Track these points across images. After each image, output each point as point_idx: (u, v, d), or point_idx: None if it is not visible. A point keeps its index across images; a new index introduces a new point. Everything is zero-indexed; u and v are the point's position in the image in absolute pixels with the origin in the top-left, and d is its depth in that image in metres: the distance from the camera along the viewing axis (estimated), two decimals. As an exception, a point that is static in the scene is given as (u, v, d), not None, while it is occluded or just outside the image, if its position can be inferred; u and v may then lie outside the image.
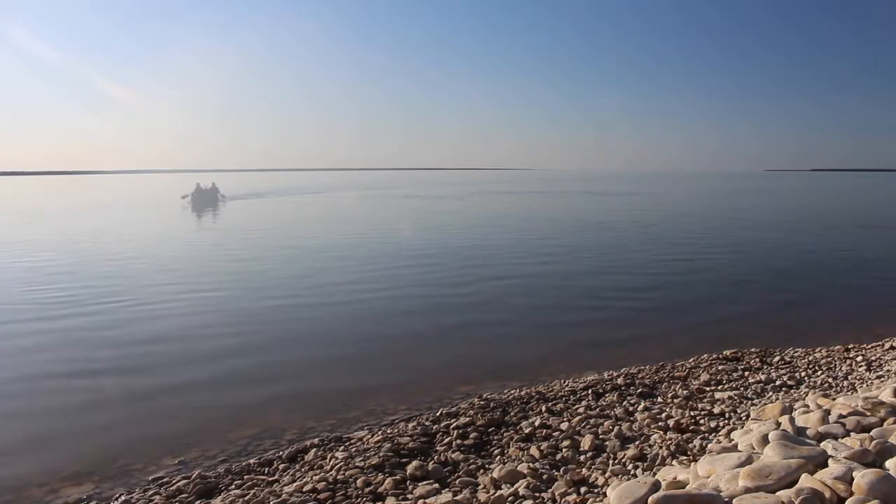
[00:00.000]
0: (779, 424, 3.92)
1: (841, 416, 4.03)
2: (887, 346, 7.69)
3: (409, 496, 4.11)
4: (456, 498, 3.97)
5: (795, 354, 7.50)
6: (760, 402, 5.69)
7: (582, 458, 4.59)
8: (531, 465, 4.40)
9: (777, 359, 7.29)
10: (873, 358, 7.14)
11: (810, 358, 7.31)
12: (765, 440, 3.59)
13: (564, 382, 6.71)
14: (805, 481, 2.95)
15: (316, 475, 4.51)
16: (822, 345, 7.93)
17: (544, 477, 4.20)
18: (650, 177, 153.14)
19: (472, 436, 5.12)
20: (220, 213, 35.14)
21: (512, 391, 6.43)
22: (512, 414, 5.63)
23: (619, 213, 34.25)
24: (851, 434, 3.71)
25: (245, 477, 4.66)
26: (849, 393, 5.69)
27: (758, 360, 7.27)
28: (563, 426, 5.20)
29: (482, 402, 5.98)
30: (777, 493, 2.90)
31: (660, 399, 5.94)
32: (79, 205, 47.15)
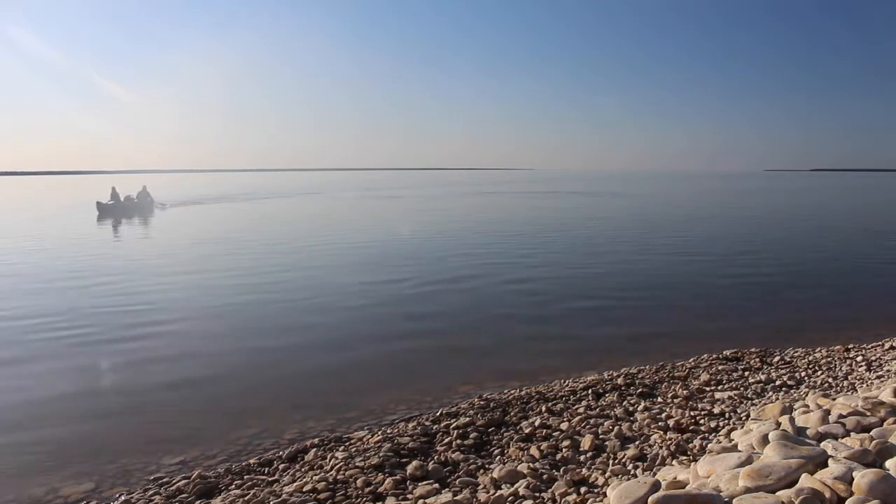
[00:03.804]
0: (779, 424, 3.92)
1: (841, 416, 4.04)
2: (887, 346, 7.69)
3: (409, 496, 4.11)
4: (456, 498, 3.97)
5: (795, 354, 7.50)
6: (760, 402, 5.69)
7: (582, 458, 4.59)
8: (531, 465, 4.40)
9: (777, 359, 7.29)
10: (873, 358, 7.14)
11: (810, 358, 7.31)
12: (765, 440, 3.60)
13: (564, 382, 6.70)
14: (805, 481, 2.95)
15: (316, 475, 4.51)
16: (822, 345, 7.92)
17: (544, 477, 4.20)
18: (650, 177, 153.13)
19: (472, 436, 5.12)
20: (126, 227, 27.15)
21: (512, 391, 6.43)
22: (512, 414, 5.63)
23: (617, 213, 34.25)
24: (851, 434, 3.72)
25: (245, 477, 4.66)
26: (849, 393, 5.69)
27: (758, 360, 7.27)
28: (563, 426, 5.20)
29: (482, 402, 5.98)
30: (777, 493, 2.90)
31: (660, 399, 5.94)
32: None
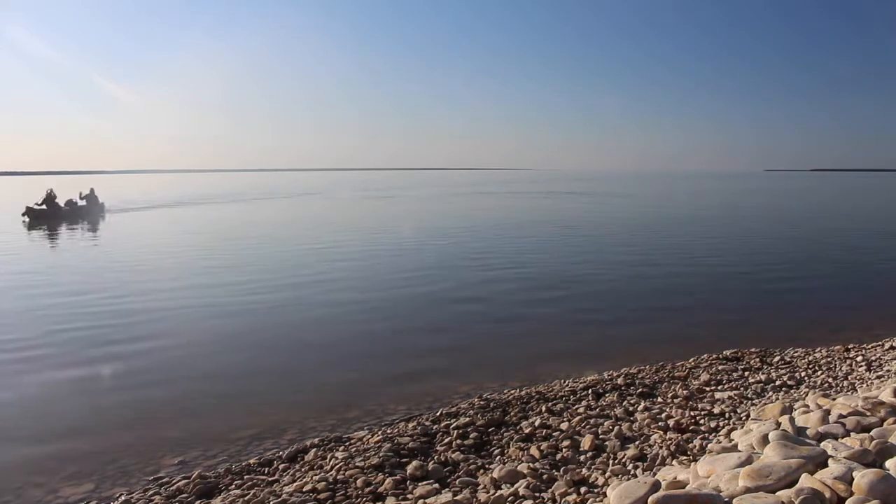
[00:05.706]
0: (779, 424, 3.92)
1: (841, 416, 4.03)
2: (887, 346, 7.69)
3: (409, 496, 4.11)
4: (456, 498, 3.97)
5: (795, 354, 7.50)
6: (760, 402, 5.69)
7: (582, 458, 4.59)
8: (531, 465, 4.40)
9: (777, 359, 7.29)
10: (873, 358, 7.14)
11: (810, 358, 7.31)
12: (765, 440, 3.59)
13: (564, 382, 6.70)
14: (805, 481, 2.95)
15: (316, 475, 4.51)
16: (822, 345, 7.93)
17: (544, 477, 4.20)
18: (650, 176, 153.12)
19: (472, 436, 5.12)
20: (61, 236, 23.59)
21: (512, 391, 6.43)
22: (512, 414, 5.63)
23: (616, 214, 34.25)
24: (851, 434, 3.71)
25: (245, 477, 4.65)
26: (849, 393, 5.69)
27: (758, 360, 7.27)
28: (563, 426, 5.20)
29: (482, 402, 5.98)
30: (777, 493, 2.90)
31: (660, 399, 5.94)
32: None
